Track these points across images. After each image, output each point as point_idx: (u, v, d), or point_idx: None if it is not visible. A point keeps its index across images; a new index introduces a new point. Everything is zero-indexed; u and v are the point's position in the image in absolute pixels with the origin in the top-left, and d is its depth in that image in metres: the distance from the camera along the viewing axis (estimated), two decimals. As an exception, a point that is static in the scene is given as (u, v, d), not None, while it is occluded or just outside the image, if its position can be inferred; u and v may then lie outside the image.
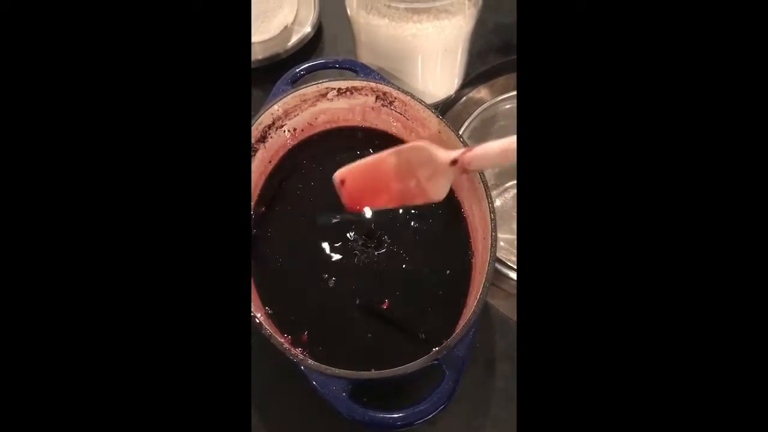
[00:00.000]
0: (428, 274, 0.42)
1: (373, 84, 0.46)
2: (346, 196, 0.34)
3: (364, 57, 0.53)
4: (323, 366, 0.34)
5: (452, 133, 0.43)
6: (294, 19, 0.60)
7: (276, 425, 0.41)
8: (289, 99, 0.45)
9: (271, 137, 0.46)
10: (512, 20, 0.62)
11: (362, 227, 0.44)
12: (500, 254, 0.48)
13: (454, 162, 0.28)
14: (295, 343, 0.38)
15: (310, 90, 0.45)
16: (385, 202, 0.34)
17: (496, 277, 0.47)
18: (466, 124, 0.55)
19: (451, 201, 0.44)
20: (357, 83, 0.46)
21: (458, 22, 0.47)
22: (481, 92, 0.59)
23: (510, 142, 0.26)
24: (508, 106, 0.58)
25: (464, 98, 0.59)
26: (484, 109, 0.57)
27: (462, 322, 0.37)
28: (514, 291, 0.48)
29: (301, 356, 0.35)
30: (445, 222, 0.44)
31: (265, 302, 0.40)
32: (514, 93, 0.57)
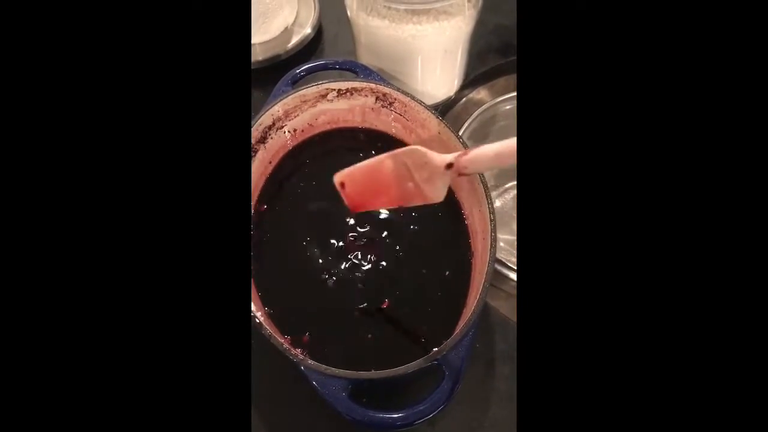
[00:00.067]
0: (428, 274, 0.42)
1: (372, 85, 0.46)
2: (347, 199, 0.35)
3: (364, 58, 0.53)
4: (323, 366, 0.34)
5: (452, 133, 0.43)
6: (294, 21, 0.61)
7: (276, 425, 0.41)
8: (290, 100, 0.45)
9: (272, 138, 0.46)
10: (512, 21, 0.62)
11: (362, 228, 0.44)
12: (500, 255, 0.48)
13: (449, 165, 0.29)
14: (295, 344, 0.38)
15: (310, 91, 0.45)
16: (385, 203, 0.35)
17: (495, 277, 0.47)
18: (465, 125, 0.55)
19: (451, 202, 0.45)
20: (357, 84, 0.46)
21: (458, 23, 0.47)
22: (480, 93, 0.59)
23: (505, 145, 0.26)
24: (507, 107, 0.58)
25: (464, 99, 0.59)
26: (484, 110, 0.57)
27: (461, 323, 0.37)
28: (514, 292, 0.48)
29: (300, 356, 0.35)
30: (445, 223, 0.44)
31: (265, 302, 0.40)
32: (514, 94, 0.57)
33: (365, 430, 0.40)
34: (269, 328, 0.35)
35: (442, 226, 0.44)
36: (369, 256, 0.43)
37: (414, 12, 0.46)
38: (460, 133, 0.45)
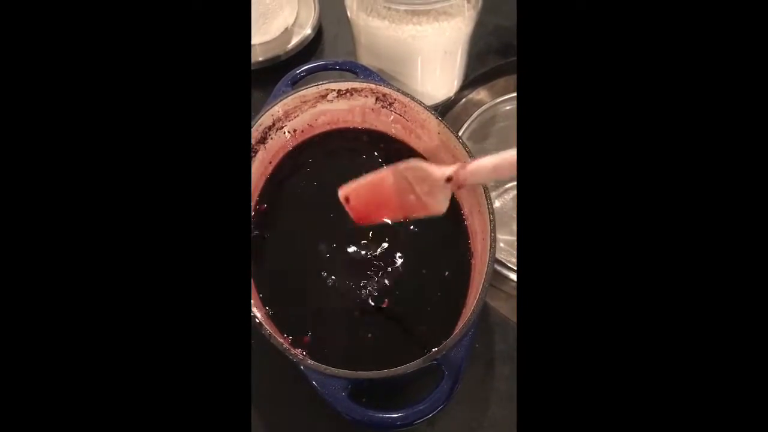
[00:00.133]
0: (428, 274, 0.42)
1: (372, 85, 0.46)
2: (352, 212, 0.35)
3: (364, 59, 0.54)
4: (322, 366, 0.34)
5: (452, 134, 0.43)
6: (294, 21, 0.61)
7: (276, 425, 0.41)
8: (290, 100, 0.45)
9: (272, 138, 0.46)
10: (511, 22, 0.62)
11: (362, 229, 0.44)
12: (500, 255, 0.48)
13: (449, 179, 0.29)
14: (296, 344, 0.39)
15: (310, 91, 0.45)
16: (389, 216, 0.35)
17: (495, 278, 0.47)
18: (465, 125, 0.55)
19: (451, 202, 0.44)
20: (357, 85, 0.46)
21: (458, 24, 0.48)
22: (480, 94, 0.59)
23: (503, 158, 0.27)
24: (507, 108, 0.58)
25: (464, 100, 0.59)
26: (484, 111, 0.57)
27: (461, 323, 0.37)
28: (514, 292, 0.48)
29: (300, 356, 0.35)
30: (445, 223, 0.44)
31: (265, 303, 0.40)
32: (514, 95, 0.57)
33: (365, 430, 0.40)
34: (269, 329, 0.35)
35: (441, 227, 0.44)
36: (369, 256, 0.43)
37: (414, 13, 0.46)
38: (460, 134, 0.45)
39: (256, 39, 0.58)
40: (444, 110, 0.57)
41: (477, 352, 0.44)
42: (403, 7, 0.45)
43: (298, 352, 0.35)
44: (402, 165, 0.31)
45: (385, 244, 0.43)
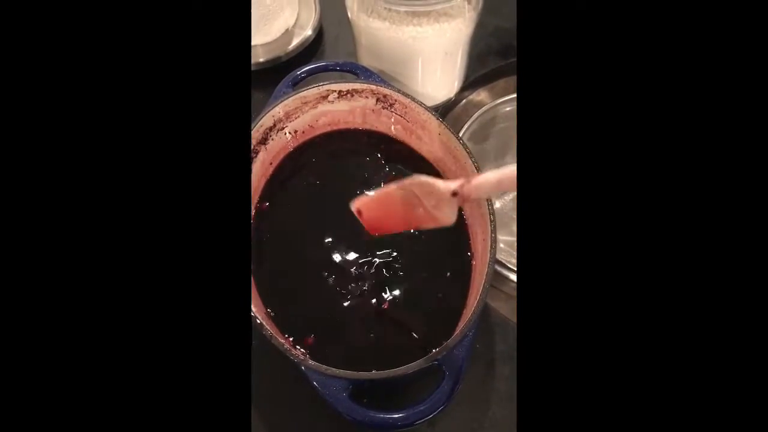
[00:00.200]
0: (428, 275, 0.42)
1: (373, 86, 0.46)
2: (365, 224, 0.37)
3: (365, 60, 0.54)
4: (323, 366, 0.34)
5: (452, 135, 0.43)
6: (295, 22, 0.61)
7: (276, 425, 0.41)
8: (290, 101, 0.45)
9: (272, 139, 0.46)
10: (512, 24, 0.62)
11: (363, 230, 0.44)
12: (500, 256, 0.48)
13: (454, 193, 0.30)
14: (298, 345, 0.39)
15: (310, 92, 0.46)
16: (400, 227, 0.37)
17: (495, 279, 0.47)
18: (465, 126, 0.55)
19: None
20: (357, 86, 0.46)
21: (458, 25, 0.48)
22: (480, 95, 0.59)
23: (505, 173, 0.27)
24: (507, 109, 0.58)
25: (464, 101, 0.59)
26: (484, 112, 0.57)
27: (462, 324, 0.37)
28: (514, 293, 0.48)
29: (301, 357, 0.35)
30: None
31: (266, 303, 0.40)
32: (514, 96, 0.57)
33: (366, 431, 0.40)
34: (270, 329, 0.35)
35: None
36: (370, 257, 0.43)
37: (414, 14, 0.46)
38: (460, 135, 0.45)
39: (257, 40, 0.58)
40: (444, 111, 0.57)
41: (478, 352, 0.44)
42: (403, 8, 0.45)
43: (298, 353, 0.35)
44: (408, 180, 0.32)
45: (386, 245, 0.43)
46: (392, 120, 0.48)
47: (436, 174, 0.47)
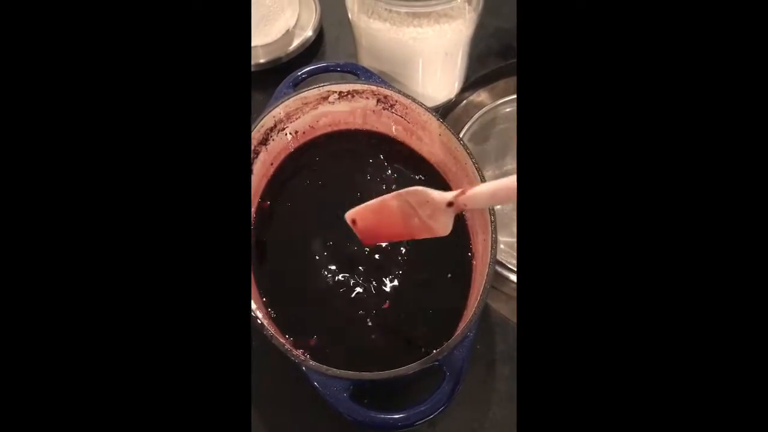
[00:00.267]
0: (429, 276, 0.42)
1: (374, 87, 0.46)
2: (359, 234, 0.37)
3: (365, 60, 0.54)
4: (324, 367, 0.34)
5: (452, 136, 0.44)
6: (296, 23, 0.61)
7: (277, 426, 0.42)
8: (291, 102, 0.45)
9: (273, 140, 0.46)
10: (512, 24, 0.62)
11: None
12: (500, 257, 0.48)
13: (450, 204, 0.30)
14: (300, 346, 0.39)
15: (311, 93, 0.46)
16: (394, 237, 0.37)
17: (496, 279, 0.47)
18: (466, 127, 0.55)
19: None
20: (358, 86, 0.46)
21: (458, 26, 0.48)
22: (481, 96, 0.59)
23: (500, 186, 0.28)
24: (508, 110, 0.58)
25: (464, 101, 0.59)
26: (484, 113, 0.57)
27: (462, 324, 0.37)
28: (514, 294, 0.48)
29: (302, 357, 0.35)
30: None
31: (267, 304, 0.41)
32: (514, 96, 0.58)
33: (366, 431, 0.40)
34: (271, 329, 0.35)
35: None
36: (370, 257, 0.43)
37: (415, 15, 0.46)
38: (461, 136, 0.45)
39: (257, 41, 0.58)
40: (445, 112, 0.58)
41: (478, 353, 0.44)
42: (404, 9, 0.46)
43: (299, 353, 0.35)
44: (404, 190, 0.32)
45: (387, 246, 0.43)
46: (393, 121, 0.48)
47: (437, 174, 0.47)
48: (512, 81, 0.60)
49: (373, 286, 0.42)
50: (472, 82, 0.59)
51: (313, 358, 0.37)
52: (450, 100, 0.57)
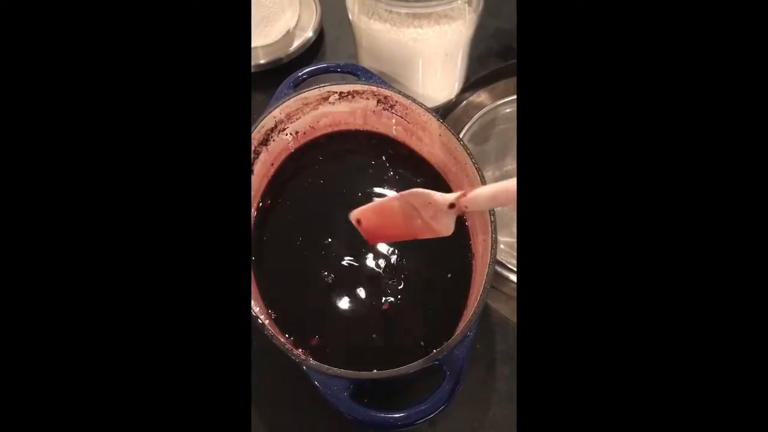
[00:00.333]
0: (429, 276, 0.43)
1: (374, 88, 0.46)
2: (364, 234, 0.37)
3: (366, 61, 0.54)
4: (324, 366, 0.34)
5: (453, 136, 0.44)
6: (296, 24, 0.61)
7: (277, 425, 0.42)
8: (291, 102, 0.45)
9: (274, 140, 0.46)
10: (512, 25, 0.63)
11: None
12: (500, 257, 0.49)
13: (451, 205, 0.31)
14: (301, 345, 0.39)
15: (311, 94, 0.46)
16: (398, 237, 0.37)
17: (496, 279, 0.47)
18: (466, 127, 0.56)
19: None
20: (358, 87, 0.46)
21: (459, 26, 0.48)
22: (481, 96, 0.60)
23: (500, 188, 0.28)
24: (507, 110, 0.58)
25: (464, 102, 0.59)
26: (484, 113, 0.57)
27: (462, 324, 0.38)
28: (514, 294, 0.48)
29: (302, 356, 0.35)
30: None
31: (267, 303, 0.41)
32: (514, 97, 0.58)
33: (367, 430, 0.41)
34: (271, 329, 0.35)
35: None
36: (371, 257, 0.43)
37: (415, 16, 0.46)
38: (461, 136, 0.45)
39: (257, 42, 0.58)
40: (445, 112, 0.58)
41: (478, 352, 0.44)
42: (404, 10, 0.46)
43: (300, 353, 0.35)
44: (407, 192, 0.33)
45: (388, 246, 0.43)
46: (393, 121, 0.48)
47: (437, 175, 0.47)
48: (512, 82, 0.60)
49: (374, 285, 0.42)
50: (472, 83, 0.59)
51: (313, 357, 0.37)
52: (450, 101, 0.58)
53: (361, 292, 0.42)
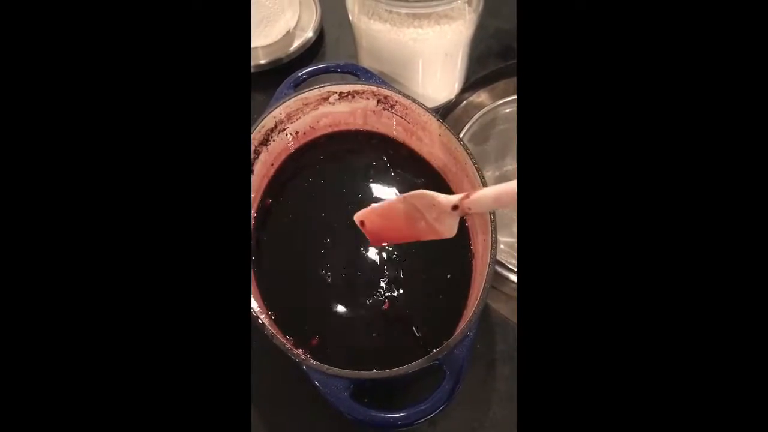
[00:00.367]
0: (429, 276, 0.43)
1: (374, 88, 0.46)
2: (367, 235, 0.37)
3: (366, 61, 0.54)
4: (324, 366, 0.34)
5: (453, 136, 0.44)
6: (296, 24, 0.61)
7: (278, 425, 0.42)
8: (292, 103, 0.45)
9: (274, 140, 0.46)
10: (512, 25, 0.63)
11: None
12: (500, 257, 0.49)
13: (455, 207, 0.31)
14: (302, 345, 0.39)
15: (312, 94, 0.46)
16: (401, 239, 0.38)
17: (496, 279, 0.48)
18: (466, 127, 0.56)
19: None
20: (358, 87, 0.46)
21: (459, 27, 0.48)
22: (481, 96, 0.60)
23: (503, 190, 0.28)
24: (507, 110, 0.58)
25: (464, 102, 0.59)
26: (484, 113, 0.57)
27: (462, 323, 0.38)
28: (514, 294, 0.48)
29: (302, 356, 0.35)
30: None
31: (267, 303, 0.41)
32: (514, 97, 0.58)
33: (367, 430, 0.41)
34: (271, 329, 0.35)
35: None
36: (371, 257, 0.43)
37: (415, 16, 0.46)
38: (461, 136, 0.45)
39: (258, 42, 0.58)
40: (445, 112, 0.58)
41: (478, 352, 0.44)
42: (404, 11, 0.46)
43: (300, 353, 0.35)
44: (410, 194, 0.33)
45: (388, 246, 0.43)
46: (393, 121, 0.48)
47: (437, 175, 0.47)
48: (512, 82, 0.60)
49: (374, 286, 0.42)
50: (472, 83, 0.59)
51: (313, 357, 0.37)
52: (450, 101, 0.58)
53: (362, 292, 0.42)
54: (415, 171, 0.48)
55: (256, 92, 0.56)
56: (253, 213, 0.45)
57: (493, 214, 0.39)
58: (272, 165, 0.47)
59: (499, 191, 0.28)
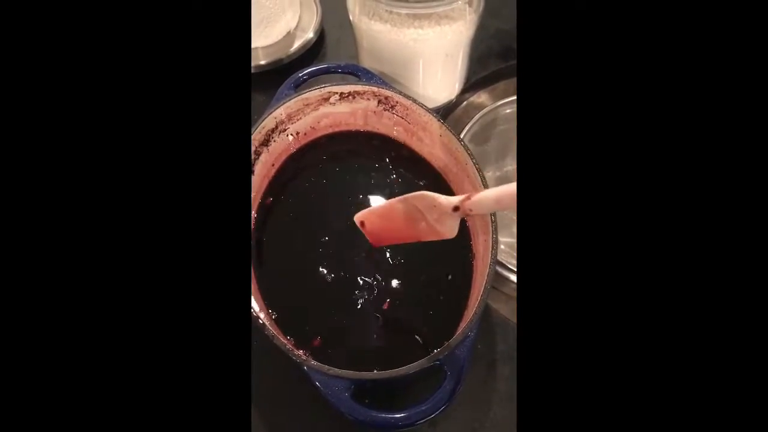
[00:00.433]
0: (430, 276, 0.43)
1: (374, 88, 0.46)
2: (368, 236, 0.37)
3: (366, 62, 0.54)
4: (325, 366, 0.34)
5: (453, 136, 0.44)
6: (297, 25, 0.61)
7: (278, 425, 0.42)
8: (292, 103, 0.45)
9: (274, 141, 0.46)
10: (512, 26, 0.63)
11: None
12: (500, 257, 0.49)
13: (456, 208, 0.31)
14: (303, 346, 0.39)
15: (312, 94, 0.46)
16: (402, 240, 0.38)
17: (496, 280, 0.47)
18: (466, 128, 0.56)
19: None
20: (359, 88, 0.46)
21: (459, 27, 0.48)
22: (481, 97, 0.60)
23: (504, 192, 0.28)
24: (508, 111, 0.58)
25: (465, 103, 0.59)
26: (485, 114, 0.57)
27: (463, 324, 0.38)
28: (515, 294, 0.48)
29: (303, 357, 0.35)
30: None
31: (268, 304, 0.41)
32: (514, 98, 0.58)
33: (368, 430, 0.41)
34: (272, 330, 0.35)
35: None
36: (371, 258, 0.43)
37: (416, 16, 0.46)
38: (461, 136, 0.45)
39: (258, 42, 0.58)
40: (445, 113, 0.58)
41: (479, 353, 0.44)
42: (404, 11, 0.46)
43: (301, 353, 0.35)
44: (411, 195, 0.33)
45: (388, 247, 0.43)
46: (393, 122, 0.48)
47: (437, 175, 0.47)
48: (512, 82, 0.60)
49: (375, 286, 0.42)
50: (472, 84, 0.59)
51: (314, 357, 0.37)
52: (450, 101, 0.58)
53: (362, 293, 0.42)
54: (415, 171, 0.48)
55: (256, 93, 0.56)
56: (254, 213, 0.45)
57: (493, 214, 0.39)
58: (273, 165, 0.47)
59: (500, 193, 0.28)
